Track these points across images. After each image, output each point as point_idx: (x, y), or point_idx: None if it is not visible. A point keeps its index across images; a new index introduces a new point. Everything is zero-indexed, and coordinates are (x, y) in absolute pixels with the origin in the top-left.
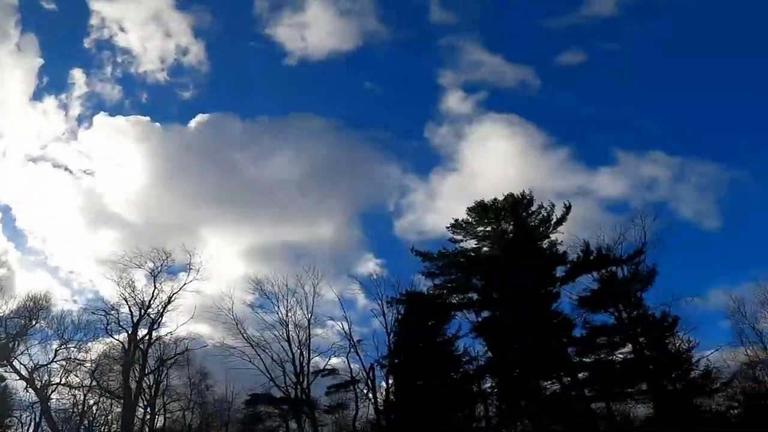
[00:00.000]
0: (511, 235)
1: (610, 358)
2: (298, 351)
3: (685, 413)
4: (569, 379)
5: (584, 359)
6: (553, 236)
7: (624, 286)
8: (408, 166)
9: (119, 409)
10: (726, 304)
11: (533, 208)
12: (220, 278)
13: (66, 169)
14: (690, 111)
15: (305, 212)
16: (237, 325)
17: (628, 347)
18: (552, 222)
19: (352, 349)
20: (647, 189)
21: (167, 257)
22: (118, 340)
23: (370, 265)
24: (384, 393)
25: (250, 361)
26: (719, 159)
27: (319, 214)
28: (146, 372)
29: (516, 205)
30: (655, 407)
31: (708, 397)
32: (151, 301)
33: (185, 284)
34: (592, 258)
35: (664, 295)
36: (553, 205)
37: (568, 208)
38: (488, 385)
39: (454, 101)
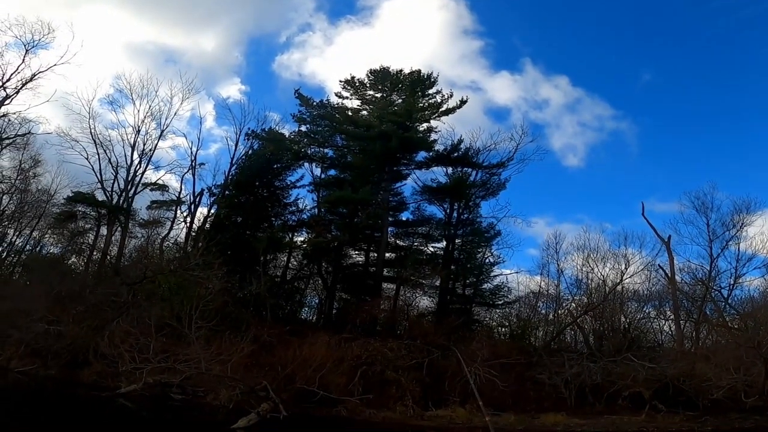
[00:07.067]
0: (395, 108)
1: (422, 248)
2: (138, 159)
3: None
4: (375, 255)
5: (399, 242)
6: (434, 122)
7: (468, 189)
8: (324, 4)
9: None
10: (546, 235)
11: (431, 91)
12: (90, 68)
13: None
14: (618, 53)
15: (194, 18)
16: (90, 119)
17: (443, 243)
18: (441, 110)
19: (190, 171)
20: (536, 107)
21: (49, 32)
22: None
23: (232, 90)
24: (201, 221)
25: (87, 159)
26: (618, 106)
27: (207, 25)
28: None
29: (416, 83)
30: (438, 304)
31: (488, 309)
32: (13, 75)
33: (56, 65)
34: (456, 155)
35: (499, 209)
36: (451, 95)
37: (462, 103)
38: (302, 239)
39: None
